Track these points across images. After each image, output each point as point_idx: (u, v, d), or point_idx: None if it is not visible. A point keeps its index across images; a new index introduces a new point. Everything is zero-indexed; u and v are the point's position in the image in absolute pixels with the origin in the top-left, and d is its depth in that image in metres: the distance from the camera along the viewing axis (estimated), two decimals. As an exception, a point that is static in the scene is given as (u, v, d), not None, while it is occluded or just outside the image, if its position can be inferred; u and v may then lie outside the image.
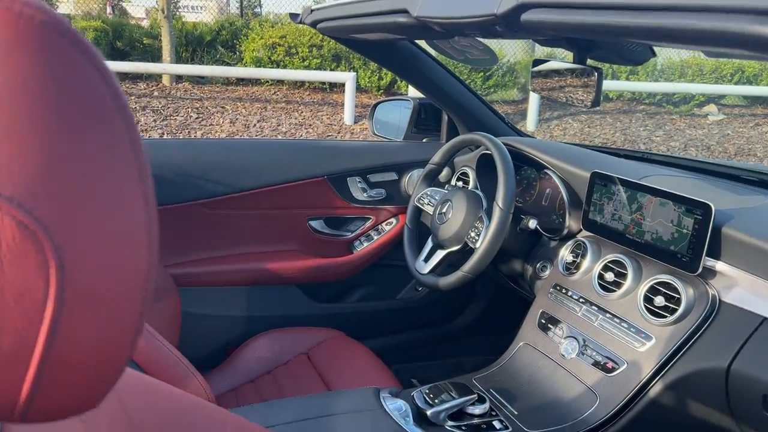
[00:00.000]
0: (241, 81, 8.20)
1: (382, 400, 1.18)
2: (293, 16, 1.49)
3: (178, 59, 8.23)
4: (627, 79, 8.94)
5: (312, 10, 1.41)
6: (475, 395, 1.20)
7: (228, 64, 8.31)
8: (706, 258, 1.11)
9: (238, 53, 8.52)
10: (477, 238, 1.42)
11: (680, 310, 1.13)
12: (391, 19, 1.13)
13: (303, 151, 1.85)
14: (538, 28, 0.79)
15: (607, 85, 8.57)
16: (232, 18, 9.43)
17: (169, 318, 1.50)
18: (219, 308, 1.73)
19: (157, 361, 1.00)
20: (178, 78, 7.99)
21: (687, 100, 8.59)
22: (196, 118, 6.80)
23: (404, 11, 1.06)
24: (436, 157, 1.67)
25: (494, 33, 0.91)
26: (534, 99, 7.51)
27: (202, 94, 7.67)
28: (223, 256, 1.74)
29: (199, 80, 8.07)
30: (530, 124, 7.56)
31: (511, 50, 8.77)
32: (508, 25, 0.83)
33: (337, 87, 8.00)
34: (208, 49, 8.56)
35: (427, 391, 1.20)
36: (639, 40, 0.72)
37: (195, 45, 8.56)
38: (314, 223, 1.86)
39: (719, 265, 1.12)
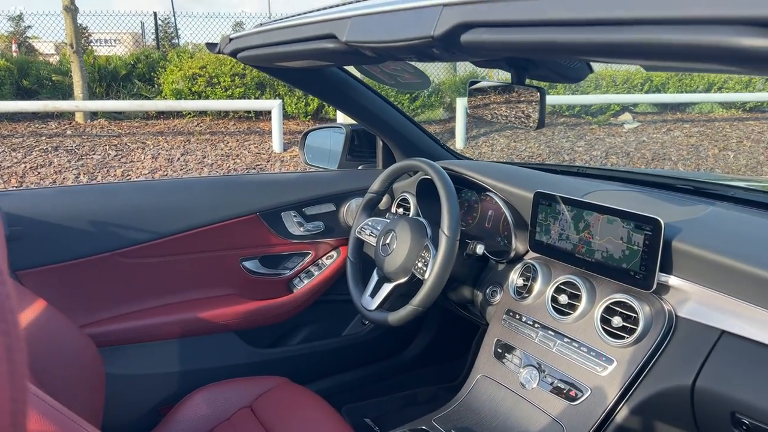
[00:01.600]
0: (161, 114, 7.91)
1: None
2: (210, 46, 1.39)
3: (92, 95, 7.87)
4: (547, 93, 9.27)
5: (231, 39, 1.31)
6: None
7: (146, 98, 8.01)
8: (659, 273, 1.09)
9: (156, 86, 8.23)
10: (425, 268, 1.35)
11: (639, 329, 1.09)
12: (318, 46, 1.05)
13: (230, 188, 1.73)
14: (479, 49, 0.73)
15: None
16: (149, 50, 9.13)
17: (89, 383, 1.34)
18: (148, 366, 1.57)
19: None
20: (93, 115, 7.62)
21: (603, 111, 9.00)
22: (115, 155, 6.47)
23: (332, 37, 0.99)
24: (375, 185, 1.60)
25: (430, 56, 0.85)
26: (461, 118, 7.64)
27: (120, 130, 7.33)
28: (148, 308, 1.58)
29: (116, 116, 7.72)
30: (459, 142, 7.68)
31: (434, 71, 8.94)
32: (446, 47, 0.77)
33: (263, 115, 7.87)
34: (124, 84, 8.23)
35: (385, 442, 1.11)
36: (592, 57, 0.67)
37: (109, 80, 8.22)
38: (248, 264, 1.74)
39: (672, 280, 1.10)
